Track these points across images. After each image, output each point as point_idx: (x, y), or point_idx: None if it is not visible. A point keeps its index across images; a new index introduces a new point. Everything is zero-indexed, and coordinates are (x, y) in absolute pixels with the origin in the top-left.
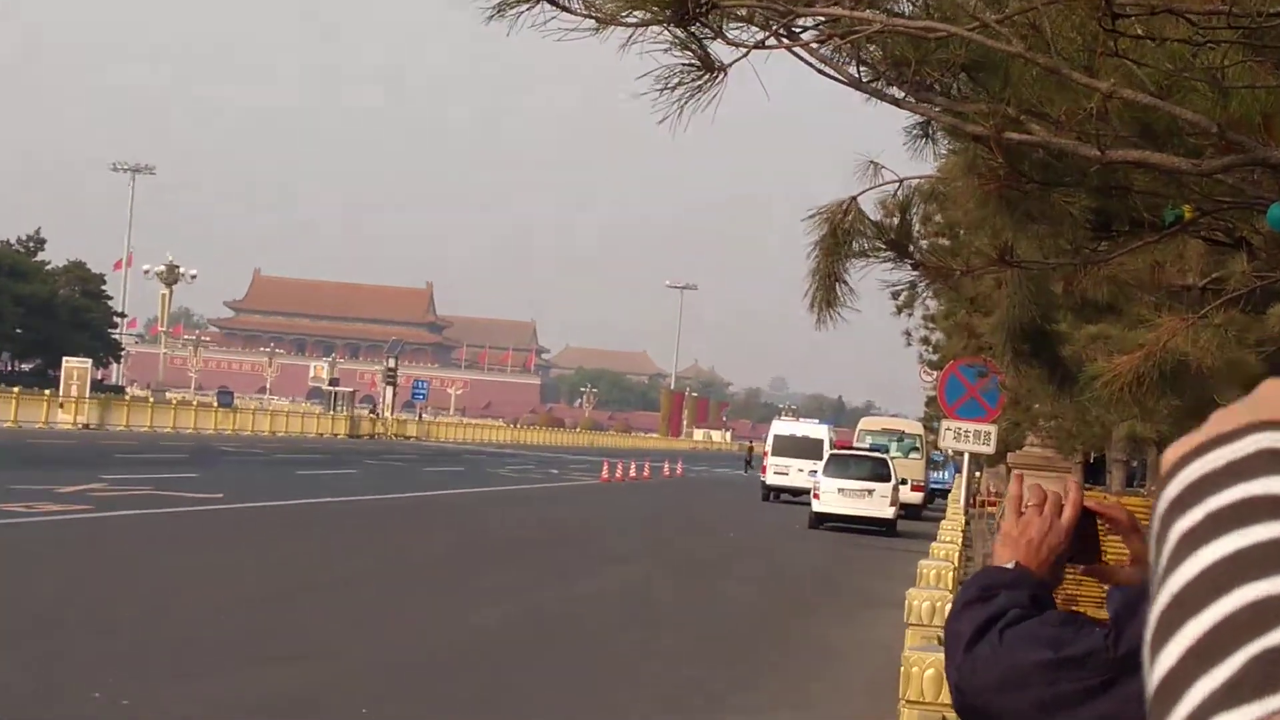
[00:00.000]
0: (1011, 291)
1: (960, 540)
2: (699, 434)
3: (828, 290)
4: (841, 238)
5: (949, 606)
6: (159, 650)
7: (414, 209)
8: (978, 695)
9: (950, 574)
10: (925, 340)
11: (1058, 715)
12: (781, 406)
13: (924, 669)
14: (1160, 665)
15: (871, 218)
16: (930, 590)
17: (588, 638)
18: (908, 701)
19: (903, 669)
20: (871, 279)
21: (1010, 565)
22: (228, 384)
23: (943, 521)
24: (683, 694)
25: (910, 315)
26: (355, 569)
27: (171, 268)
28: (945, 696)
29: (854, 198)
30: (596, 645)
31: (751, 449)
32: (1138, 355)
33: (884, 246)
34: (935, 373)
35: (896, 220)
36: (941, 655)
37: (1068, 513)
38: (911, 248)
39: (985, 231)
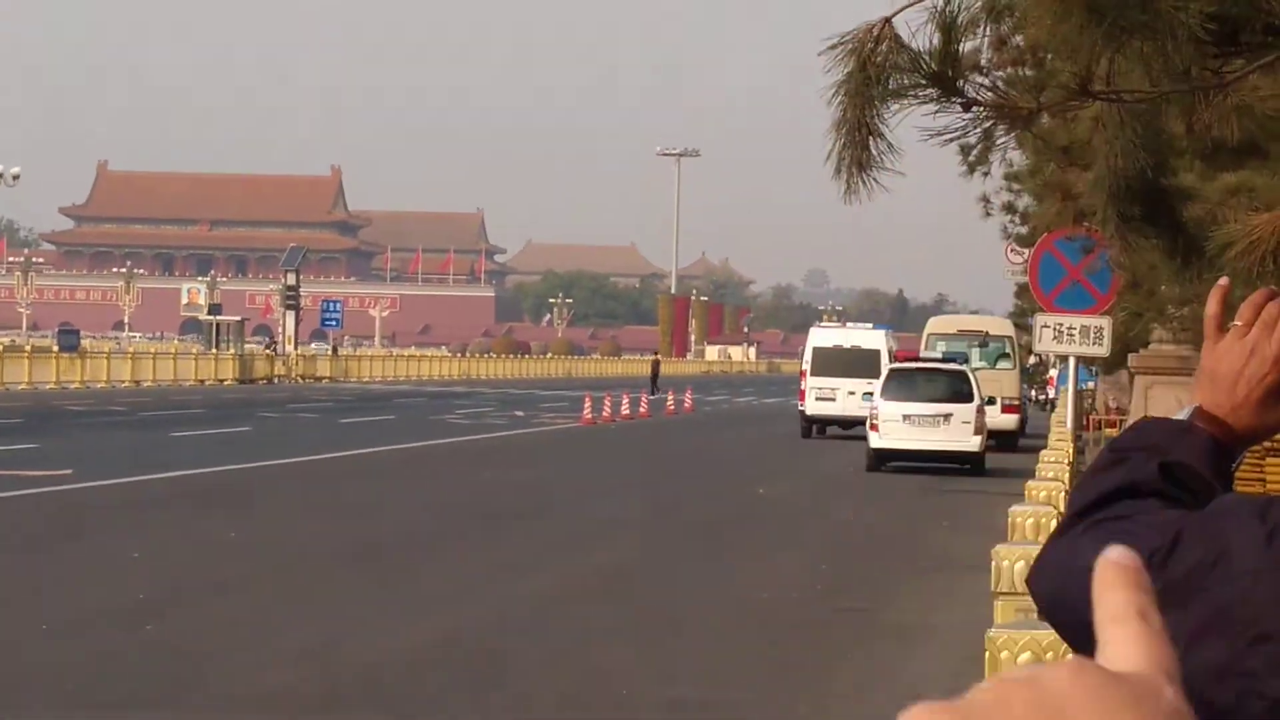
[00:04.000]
0: (1111, 136)
1: (1068, 476)
2: (713, 351)
3: (858, 148)
4: (874, 74)
5: None
6: None
7: (310, 73)
8: (1039, 604)
9: (1054, 522)
10: (1009, 207)
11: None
12: (822, 309)
13: (1016, 653)
14: None
15: (915, 46)
16: (1025, 547)
17: (561, 645)
18: None
19: (988, 654)
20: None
21: (1186, 413)
22: (71, 320)
23: (1043, 452)
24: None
25: (987, 175)
26: (236, 570)
27: None
28: None
29: (887, 19)
30: (568, 659)
31: (658, 363)
32: None
33: (925, 82)
34: (1026, 250)
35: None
36: (1037, 633)
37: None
38: (962, 81)
39: (1074, 55)
